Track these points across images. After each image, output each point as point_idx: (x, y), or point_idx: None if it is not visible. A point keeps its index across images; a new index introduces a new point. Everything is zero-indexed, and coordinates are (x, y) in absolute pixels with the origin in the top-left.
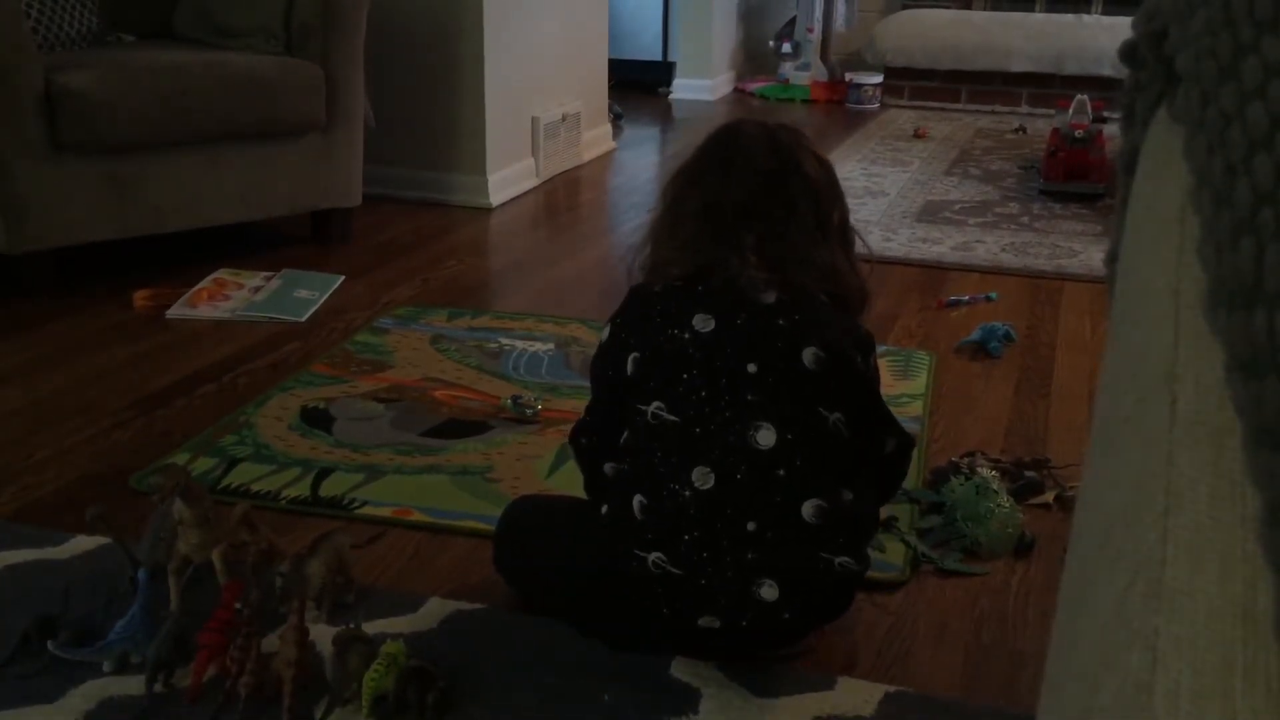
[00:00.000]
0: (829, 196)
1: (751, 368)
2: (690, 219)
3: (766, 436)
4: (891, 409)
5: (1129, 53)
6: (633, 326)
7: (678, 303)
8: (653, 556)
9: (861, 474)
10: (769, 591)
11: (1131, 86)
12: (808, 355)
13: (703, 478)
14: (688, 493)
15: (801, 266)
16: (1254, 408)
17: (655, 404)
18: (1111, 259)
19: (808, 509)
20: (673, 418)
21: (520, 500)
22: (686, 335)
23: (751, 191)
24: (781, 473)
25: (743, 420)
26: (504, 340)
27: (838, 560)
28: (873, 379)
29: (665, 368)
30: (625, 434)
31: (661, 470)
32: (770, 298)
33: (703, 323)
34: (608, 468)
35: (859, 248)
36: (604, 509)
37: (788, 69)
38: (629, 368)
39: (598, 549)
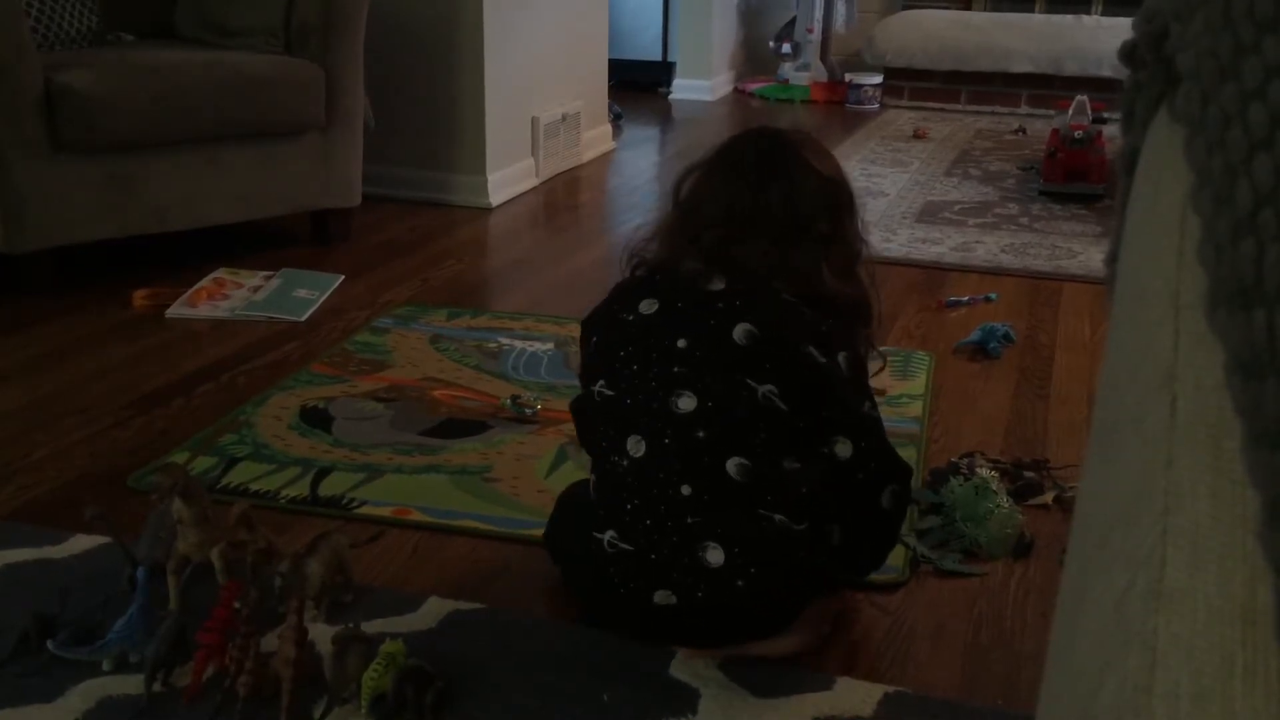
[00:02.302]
0: (814, 206)
1: (681, 343)
2: (676, 220)
3: (687, 403)
4: (887, 409)
5: (1129, 53)
6: (599, 314)
7: (634, 291)
8: (607, 536)
9: (817, 457)
10: (714, 555)
11: (1131, 87)
12: (738, 331)
13: (635, 446)
14: (625, 462)
15: (750, 263)
16: (1254, 408)
17: (600, 382)
18: (1111, 259)
19: (731, 466)
20: (610, 393)
21: (566, 488)
22: (631, 318)
23: (729, 200)
24: (701, 434)
25: (666, 389)
26: (503, 340)
27: (776, 517)
28: (830, 371)
29: (609, 348)
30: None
31: (605, 445)
32: (717, 285)
33: (647, 306)
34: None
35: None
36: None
37: (787, 69)
38: (591, 349)
39: (577, 536)
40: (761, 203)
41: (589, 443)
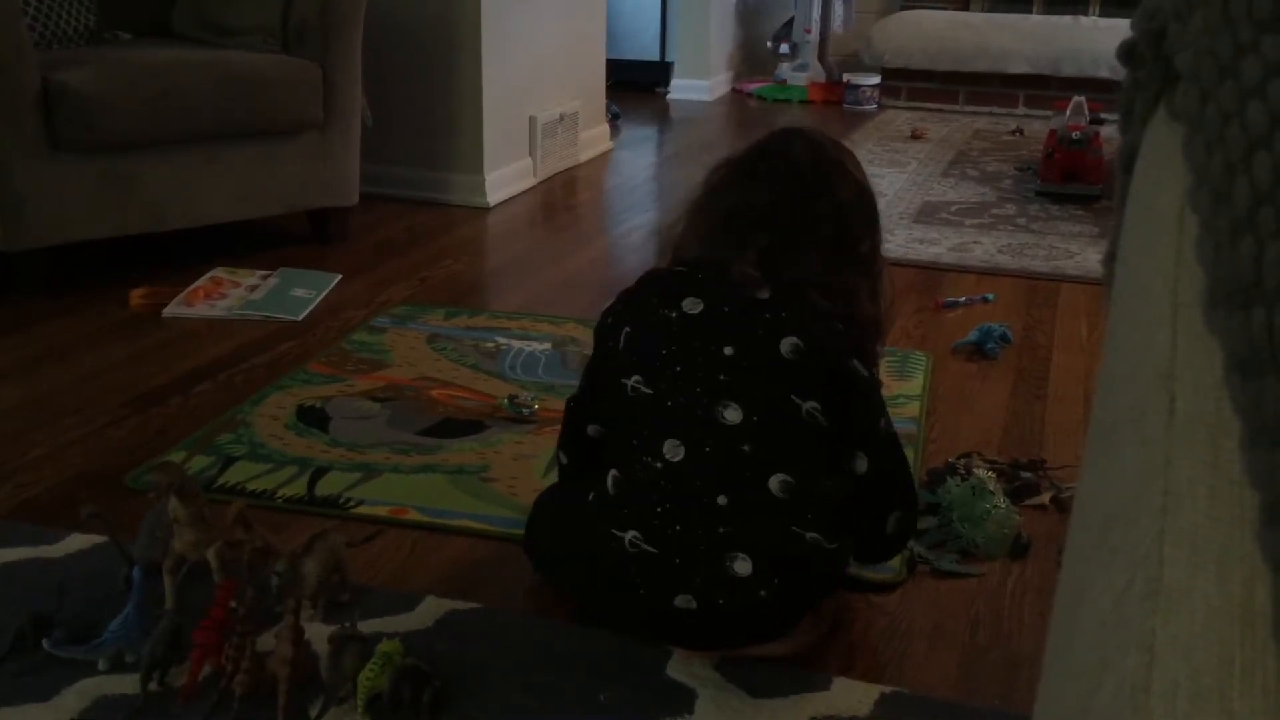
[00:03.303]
0: (860, 225)
1: (728, 350)
2: (716, 214)
3: (733, 414)
4: (891, 409)
5: (1128, 52)
6: (633, 302)
7: (675, 286)
8: (629, 536)
9: (843, 474)
10: (742, 566)
11: (1130, 85)
12: (786, 345)
13: (673, 450)
14: (659, 465)
15: (801, 278)
16: (1252, 407)
17: (635, 377)
18: (1109, 259)
19: (774, 483)
20: (648, 391)
21: (545, 490)
22: (674, 315)
23: (776, 204)
24: (747, 448)
25: (711, 396)
26: (501, 340)
27: (809, 535)
28: (868, 384)
29: (648, 343)
30: (610, 405)
31: (635, 443)
32: (764, 294)
33: (692, 305)
34: (591, 429)
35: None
36: (590, 495)
37: (785, 70)
38: (621, 341)
39: (582, 533)
40: (812, 216)
41: (574, 445)
